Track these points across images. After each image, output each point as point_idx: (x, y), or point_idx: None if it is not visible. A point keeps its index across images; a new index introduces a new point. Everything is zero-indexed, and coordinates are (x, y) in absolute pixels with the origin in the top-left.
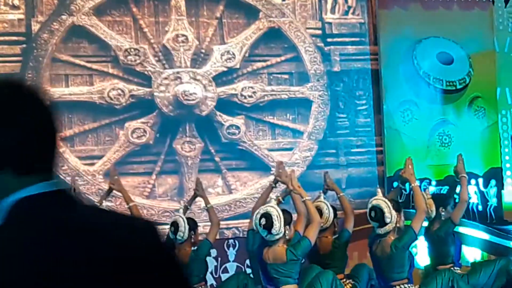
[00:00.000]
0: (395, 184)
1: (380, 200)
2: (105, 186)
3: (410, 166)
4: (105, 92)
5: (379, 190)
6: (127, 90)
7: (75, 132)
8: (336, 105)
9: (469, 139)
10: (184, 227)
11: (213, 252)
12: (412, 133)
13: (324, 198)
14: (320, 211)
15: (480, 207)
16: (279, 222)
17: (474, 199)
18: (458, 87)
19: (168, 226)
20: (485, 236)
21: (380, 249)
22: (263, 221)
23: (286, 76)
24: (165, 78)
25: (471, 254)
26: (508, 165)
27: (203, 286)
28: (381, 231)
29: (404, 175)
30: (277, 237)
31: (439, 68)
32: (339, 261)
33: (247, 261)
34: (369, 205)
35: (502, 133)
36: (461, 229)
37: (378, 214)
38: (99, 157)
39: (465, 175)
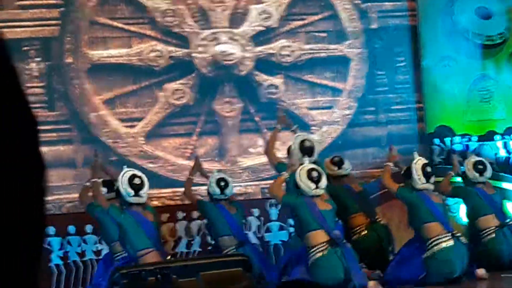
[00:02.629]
0: (436, 140)
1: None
2: (147, 148)
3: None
4: (143, 54)
5: (415, 153)
6: (166, 52)
7: (115, 95)
8: (374, 62)
9: (510, 93)
10: (231, 183)
11: (256, 211)
12: (451, 89)
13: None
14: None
15: None
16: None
17: None
18: (497, 41)
19: (212, 182)
20: None
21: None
22: (315, 173)
23: (323, 35)
24: (203, 39)
25: None
26: None
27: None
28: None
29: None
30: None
31: (478, 22)
32: None
33: (289, 220)
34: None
35: None
36: (503, 185)
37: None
38: (140, 119)
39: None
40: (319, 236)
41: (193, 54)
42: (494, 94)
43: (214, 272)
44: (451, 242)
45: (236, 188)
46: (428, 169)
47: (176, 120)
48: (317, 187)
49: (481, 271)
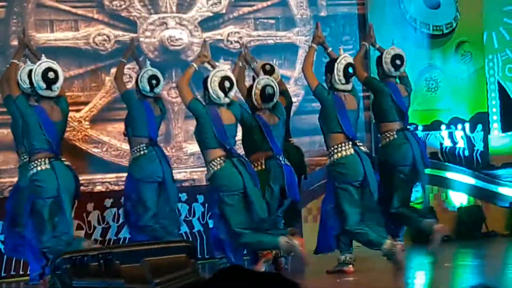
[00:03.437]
0: None
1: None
2: (92, 132)
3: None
4: (90, 37)
5: (341, 49)
6: (113, 36)
7: None
8: (322, 50)
9: (456, 84)
10: (163, 81)
11: (200, 198)
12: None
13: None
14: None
15: (466, 152)
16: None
17: (461, 144)
18: (445, 31)
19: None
20: (472, 181)
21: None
22: (227, 83)
23: (272, 21)
24: (151, 24)
25: (458, 199)
26: (494, 110)
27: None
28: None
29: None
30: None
31: (426, 12)
32: None
33: None
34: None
35: (489, 78)
36: (448, 174)
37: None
38: (85, 104)
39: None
40: (217, 152)
41: (141, 39)
42: (441, 84)
43: (158, 258)
44: (351, 151)
45: (181, 174)
46: (350, 70)
47: (122, 105)
48: (226, 96)
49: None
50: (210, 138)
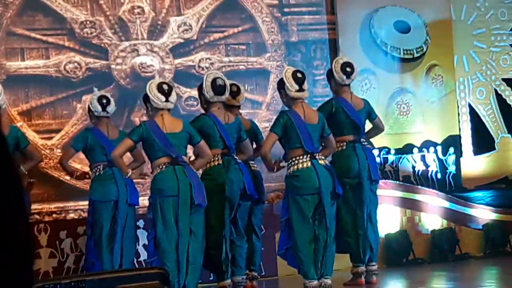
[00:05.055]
0: None
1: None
2: None
3: None
4: (61, 65)
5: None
6: (84, 63)
7: (32, 106)
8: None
9: (427, 107)
10: (113, 101)
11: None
12: (370, 102)
13: None
14: None
15: (439, 175)
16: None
17: (433, 167)
18: (416, 55)
19: (94, 99)
20: (445, 203)
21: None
22: (165, 86)
23: (243, 47)
24: (122, 51)
25: (431, 222)
26: (466, 133)
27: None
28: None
29: None
30: None
31: (396, 36)
32: None
33: None
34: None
35: (460, 101)
36: (420, 197)
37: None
38: (57, 131)
39: None
40: (162, 160)
41: (112, 66)
42: (412, 108)
43: (131, 285)
44: (308, 164)
45: None
46: (299, 74)
47: None
48: (167, 100)
49: None
50: (157, 149)
